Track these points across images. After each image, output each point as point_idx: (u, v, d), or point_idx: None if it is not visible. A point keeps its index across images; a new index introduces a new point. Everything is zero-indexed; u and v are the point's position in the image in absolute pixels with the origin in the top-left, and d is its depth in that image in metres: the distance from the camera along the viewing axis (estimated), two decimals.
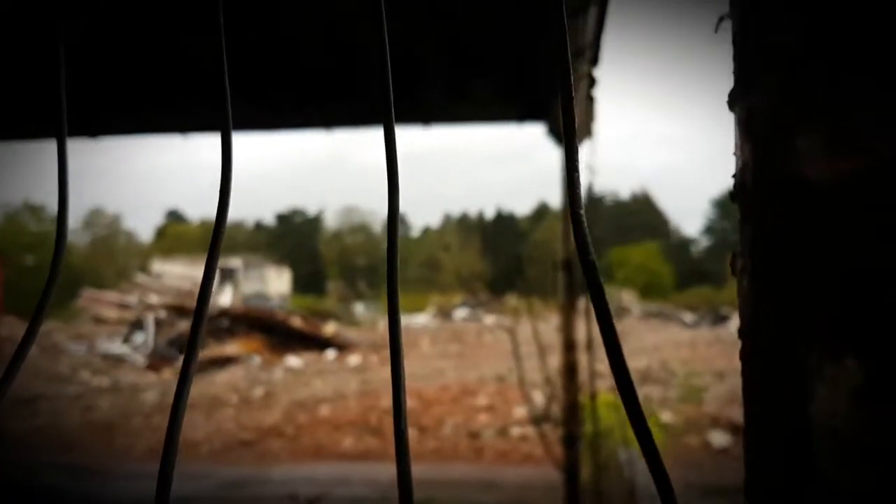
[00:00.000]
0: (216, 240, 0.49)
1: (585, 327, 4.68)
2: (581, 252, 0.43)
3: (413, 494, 0.43)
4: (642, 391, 11.60)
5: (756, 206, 0.41)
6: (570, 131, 0.47)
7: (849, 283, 0.35)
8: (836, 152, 0.36)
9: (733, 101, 0.43)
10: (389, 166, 0.46)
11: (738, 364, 0.48)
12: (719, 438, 9.65)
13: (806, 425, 0.37)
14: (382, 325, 32.82)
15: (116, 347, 21.05)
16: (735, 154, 0.43)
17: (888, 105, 0.35)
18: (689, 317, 30.69)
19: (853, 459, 0.35)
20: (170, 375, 16.94)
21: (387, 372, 15.84)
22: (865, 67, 0.35)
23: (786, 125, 0.39)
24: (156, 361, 18.84)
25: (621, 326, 2.80)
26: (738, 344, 0.46)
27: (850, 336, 0.35)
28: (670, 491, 0.38)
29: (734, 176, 0.43)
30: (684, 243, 78.04)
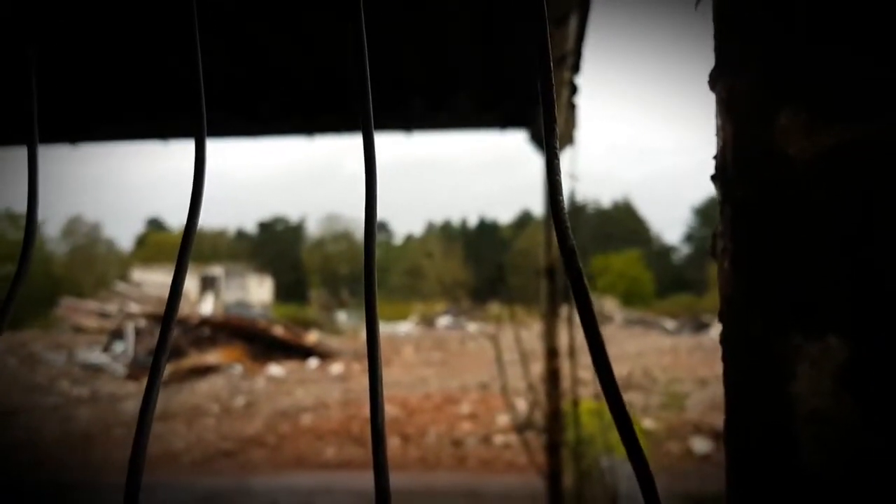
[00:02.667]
0: (185, 248, 0.49)
1: (568, 334, 4.69)
2: (567, 259, 0.43)
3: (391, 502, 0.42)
4: (624, 398, 11.67)
5: (737, 186, 0.41)
6: (551, 139, 0.46)
7: (831, 260, 0.35)
8: (816, 127, 0.36)
9: (714, 81, 0.43)
10: (368, 175, 0.46)
11: (719, 372, 0.47)
12: (701, 445, 9.71)
13: (788, 406, 0.37)
14: (365, 333, 32.52)
15: (96, 357, 20.81)
16: (716, 135, 0.43)
17: (867, 79, 0.34)
18: (670, 324, 30.94)
19: (835, 440, 0.34)
20: None
21: (368, 380, 15.90)
22: (844, 39, 0.35)
23: (766, 102, 0.39)
24: (136, 371, 18.65)
25: (604, 334, 2.80)
26: (720, 351, 0.45)
27: (833, 314, 0.35)
28: (654, 494, 0.38)
29: (715, 157, 0.43)
30: (665, 251, 78.72)
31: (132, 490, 0.43)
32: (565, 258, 0.42)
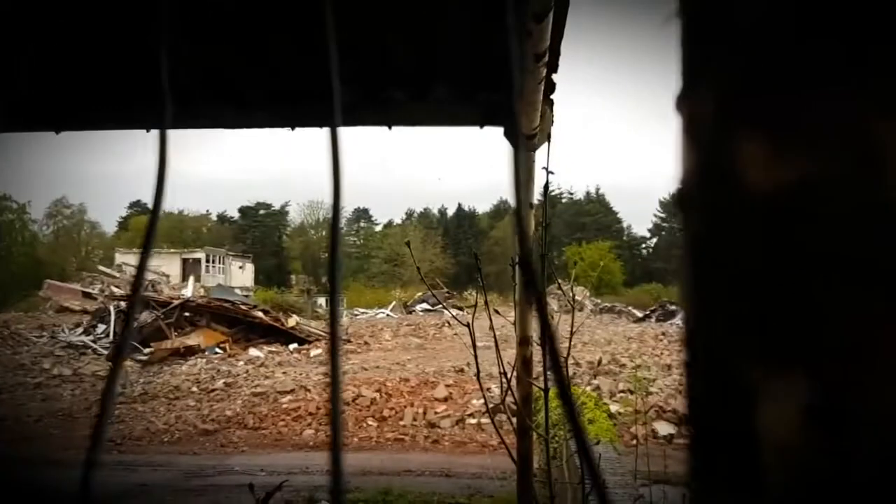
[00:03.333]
0: (150, 233, 0.51)
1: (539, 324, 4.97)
2: (524, 265, 0.54)
3: (343, 479, 0.44)
4: (593, 383, 12.01)
5: (698, 216, 0.40)
6: (519, 138, 0.50)
7: (793, 297, 0.35)
8: (776, 161, 0.35)
9: (678, 104, 0.42)
10: (334, 168, 0.47)
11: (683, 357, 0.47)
12: (665, 428, 10.08)
13: (753, 440, 0.36)
14: (345, 318, 32.96)
15: (78, 337, 20.93)
16: (680, 160, 0.42)
17: (835, 112, 0.34)
18: (638, 312, 31.50)
19: (802, 475, 0.34)
20: (130, 364, 16.94)
21: (348, 364, 15.97)
22: (815, 70, 0.35)
23: (729, 130, 0.38)
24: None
25: (575, 321, 3.06)
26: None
27: (797, 351, 0.35)
28: (593, 464, 0.44)
29: (678, 183, 0.43)
30: (635, 242, 79.65)
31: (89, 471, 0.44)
32: (522, 265, 0.59)
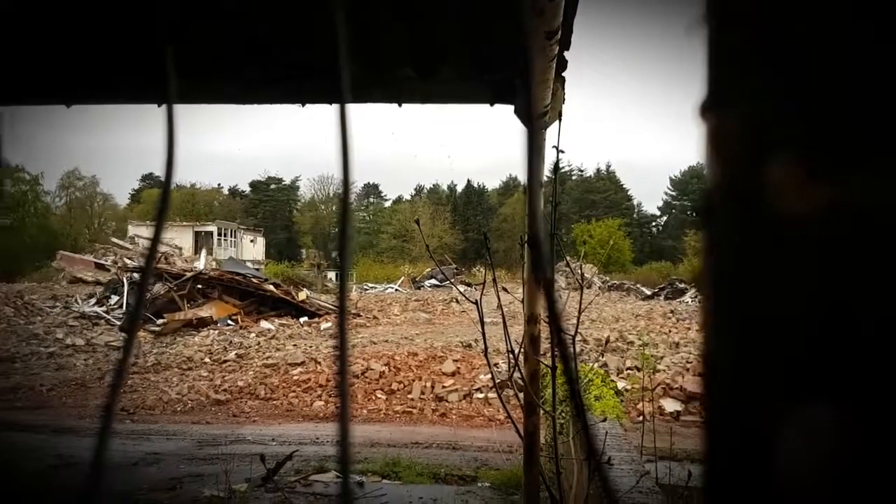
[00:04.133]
0: (163, 206, 0.50)
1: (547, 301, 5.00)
2: (532, 234, 0.47)
3: (351, 450, 0.44)
4: (601, 360, 12.08)
5: (723, 231, 0.38)
6: (532, 115, 0.50)
7: (816, 327, 0.33)
8: (812, 184, 0.34)
9: (703, 113, 0.40)
10: (343, 144, 0.47)
11: (691, 336, 0.48)
12: (671, 405, 10.15)
13: (772, 479, 0.35)
14: (354, 293, 33.16)
15: (91, 308, 21.16)
16: (706, 171, 0.41)
17: (869, 136, 0.32)
18: (647, 290, 31.50)
19: None
20: (143, 335, 17.15)
21: (357, 338, 16.05)
22: (852, 90, 0.33)
23: (757, 146, 0.36)
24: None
25: (584, 299, 3.08)
26: (693, 316, 0.47)
27: (820, 385, 0.33)
28: (593, 440, 0.46)
29: (703, 197, 0.41)
30: (645, 220, 79.38)
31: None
32: (531, 243, 0.47)
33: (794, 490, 0.33)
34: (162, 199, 0.50)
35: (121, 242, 38.10)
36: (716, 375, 0.38)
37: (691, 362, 11.68)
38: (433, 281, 36.60)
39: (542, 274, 0.45)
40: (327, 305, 22.28)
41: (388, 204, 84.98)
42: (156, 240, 0.49)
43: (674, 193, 78.18)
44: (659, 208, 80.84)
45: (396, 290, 36.07)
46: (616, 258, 49.78)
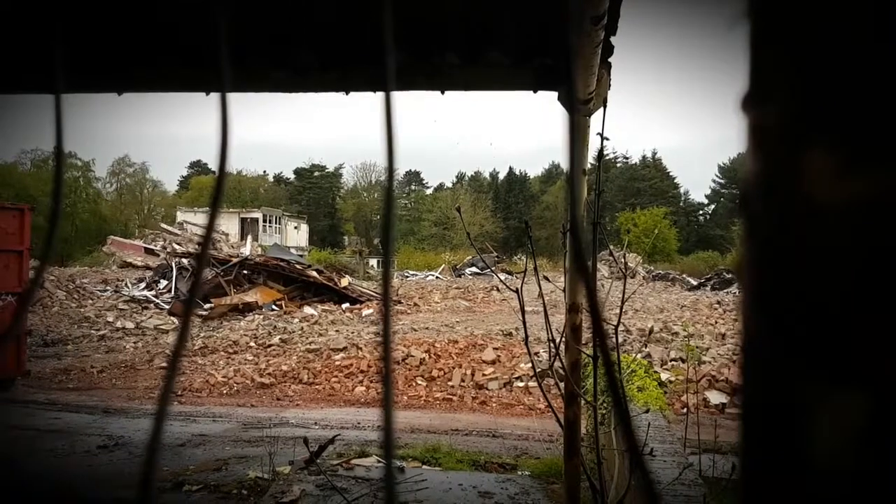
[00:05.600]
0: (218, 194, 0.51)
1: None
2: (573, 222, 0.47)
3: (394, 436, 0.44)
4: (645, 351, 11.96)
5: (763, 222, 0.39)
6: (573, 102, 0.48)
7: (855, 312, 0.34)
8: (848, 172, 0.34)
9: (744, 106, 0.41)
10: (387, 132, 0.46)
11: (738, 327, 0.48)
12: (716, 397, 9.99)
13: (805, 454, 0.35)
14: (396, 280, 33.33)
15: (141, 292, 21.66)
16: (745, 163, 0.41)
17: None
18: (693, 280, 30.97)
19: (855, 500, 0.33)
20: (192, 319, 17.46)
21: (398, 325, 16.14)
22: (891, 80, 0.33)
23: (797, 138, 0.37)
24: (178, 306, 19.39)
25: (627, 288, 3.04)
26: (739, 309, 0.44)
27: (856, 369, 0.33)
28: (633, 437, 0.43)
29: (742, 187, 0.42)
30: (691, 209, 78.00)
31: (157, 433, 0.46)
32: (572, 232, 0.48)
33: (829, 474, 0.33)
34: (217, 186, 0.50)
35: (170, 228, 38.87)
36: (754, 362, 0.39)
37: (738, 354, 11.45)
38: (473, 269, 36.60)
39: (582, 262, 0.46)
40: (369, 292, 22.44)
41: (429, 191, 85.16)
42: (211, 226, 0.50)
43: (722, 181, 76.74)
44: (707, 196, 79.51)
45: (437, 277, 36.16)
46: (661, 247, 49.06)
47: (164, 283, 22.27)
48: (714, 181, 77.83)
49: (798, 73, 0.36)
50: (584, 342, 5.00)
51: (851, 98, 0.34)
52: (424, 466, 7.07)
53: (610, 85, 4.64)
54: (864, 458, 0.32)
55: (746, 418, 0.39)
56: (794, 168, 0.36)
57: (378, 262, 40.07)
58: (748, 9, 0.38)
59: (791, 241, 0.36)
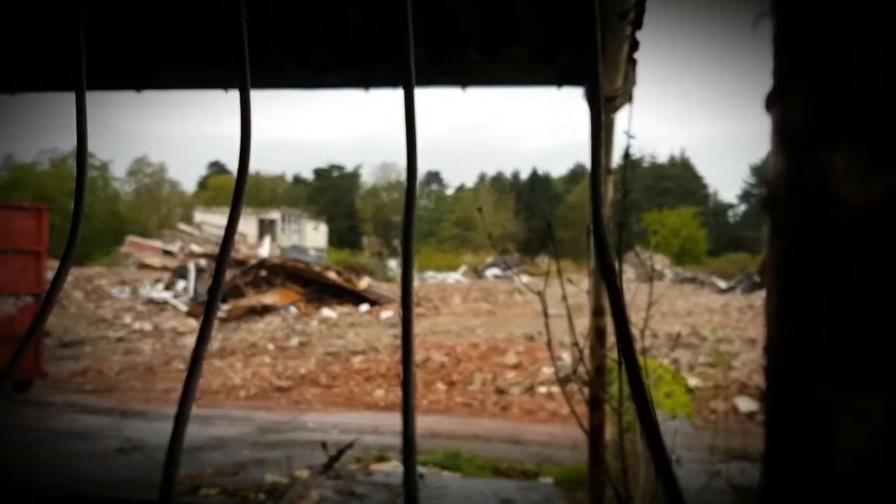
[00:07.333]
0: (239, 194, 0.50)
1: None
2: (596, 223, 0.47)
3: (415, 442, 0.44)
4: (672, 356, 11.69)
5: (788, 221, 0.39)
6: (597, 103, 0.48)
7: (880, 315, 0.33)
8: (873, 172, 0.34)
9: (769, 105, 0.41)
10: (408, 129, 0.46)
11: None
12: (746, 404, 9.73)
13: (828, 457, 0.35)
14: (415, 282, 33.02)
15: (158, 293, 21.67)
16: (770, 161, 0.41)
17: None
18: (722, 283, 30.48)
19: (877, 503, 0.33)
20: None
21: (418, 328, 16.02)
22: None
23: (822, 137, 0.36)
24: (196, 308, 19.37)
25: (654, 291, 2.93)
26: (764, 307, 0.43)
27: (879, 372, 0.33)
28: (661, 444, 0.42)
29: (768, 185, 0.41)
30: (721, 209, 77.13)
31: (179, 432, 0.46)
32: (596, 233, 0.47)
33: (852, 477, 0.34)
34: (237, 186, 0.50)
35: (188, 229, 39.05)
36: (778, 364, 0.40)
37: (762, 355, 11.18)
38: (495, 270, 36.34)
39: (607, 264, 0.45)
40: (388, 294, 22.31)
41: (449, 192, 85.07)
42: (231, 228, 0.50)
43: (753, 181, 75.79)
44: (737, 197, 78.53)
45: (458, 279, 35.99)
46: (689, 249, 48.39)
47: (181, 284, 22.27)
48: (745, 181, 76.86)
49: (823, 72, 0.36)
50: (609, 346, 4.81)
51: (876, 97, 0.34)
52: (444, 472, 6.93)
53: (636, 81, 4.47)
54: (887, 463, 0.33)
55: (770, 420, 0.40)
56: (819, 167, 0.36)
57: (397, 263, 39.99)
58: (772, 7, 0.40)
59: (816, 241, 0.37)
